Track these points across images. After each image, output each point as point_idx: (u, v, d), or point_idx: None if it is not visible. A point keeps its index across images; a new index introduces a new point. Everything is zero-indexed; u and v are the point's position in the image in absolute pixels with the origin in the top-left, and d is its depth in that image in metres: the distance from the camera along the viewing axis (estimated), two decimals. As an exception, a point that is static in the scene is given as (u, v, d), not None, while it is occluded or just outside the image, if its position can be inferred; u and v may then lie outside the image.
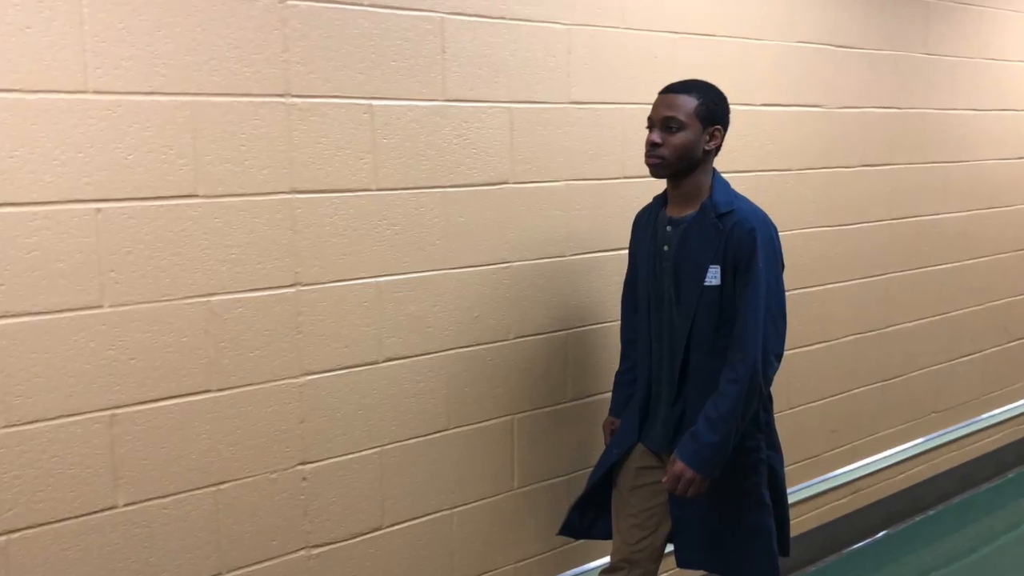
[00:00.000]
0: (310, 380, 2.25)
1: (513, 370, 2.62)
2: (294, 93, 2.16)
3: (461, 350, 2.50)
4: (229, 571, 2.17)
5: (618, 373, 2.60)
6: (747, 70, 3.09)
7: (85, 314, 1.94)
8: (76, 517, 1.96)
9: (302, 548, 2.28)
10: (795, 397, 3.41)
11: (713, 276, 2.24)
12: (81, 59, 1.90)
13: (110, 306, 1.97)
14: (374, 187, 2.30)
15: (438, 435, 2.48)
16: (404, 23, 2.32)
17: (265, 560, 2.22)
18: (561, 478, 2.77)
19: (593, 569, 2.83)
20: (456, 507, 2.54)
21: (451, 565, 2.56)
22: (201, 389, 2.09)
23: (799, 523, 3.44)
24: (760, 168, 3.17)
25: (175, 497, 2.08)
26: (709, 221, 2.25)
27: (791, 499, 3.37)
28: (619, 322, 2.60)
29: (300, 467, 2.25)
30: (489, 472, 2.61)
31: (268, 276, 2.16)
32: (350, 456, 2.33)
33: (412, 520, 2.47)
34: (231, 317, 2.12)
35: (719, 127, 2.28)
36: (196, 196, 2.05)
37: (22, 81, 1.83)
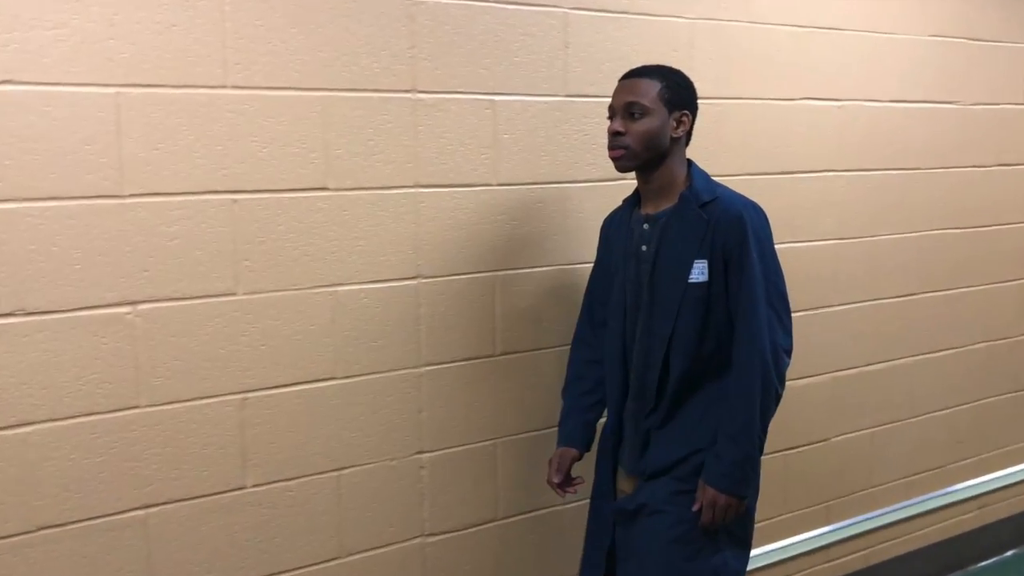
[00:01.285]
0: (429, 371, 2.26)
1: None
2: (420, 88, 2.18)
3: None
4: (348, 555, 2.20)
5: (574, 395, 2.25)
6: (876, 65, 2.95)
7: (221, 300, 2.00)
8: (208, 495, 2.02)
9: (418, 536, 2.30)
10: (919, 405, 3.24)
11: (699, 272, 1.99)
12: (222, 55, 1.95)
13: (243, 293, 2.03)
14: (494, 182, 2.30)
15: (553, 431, 2.47)
16: (528, 19, 2.31)
17: (382, 546, 2.24)
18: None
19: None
20: (569, 503, 2.52)
21: (569, 559, 2.53)
22: (327, 376, 2.13)
23: (921, 536, 3.29)
24: (887, 167, 3.03)
25: (299, 480, 2.12)
26: (691, 212, 2.01)
27: (913, 511, 3.25)
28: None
29: (418, 456, 2.27)
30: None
31: (392, 268, 2.19)
32: (467, 447, 2.34)
33: (526, 513, 2.46)
34: (356, 307, 2.15)
35: (686, 112, 2.05)
36: (326, 189, 2.09)
37: (168, 77, 1.90)
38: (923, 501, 3.28)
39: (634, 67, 2.09)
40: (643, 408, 2.08)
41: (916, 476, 3.26)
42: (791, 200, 2.82)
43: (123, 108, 1.86)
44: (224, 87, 1.96)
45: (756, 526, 2.80)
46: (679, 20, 2.54)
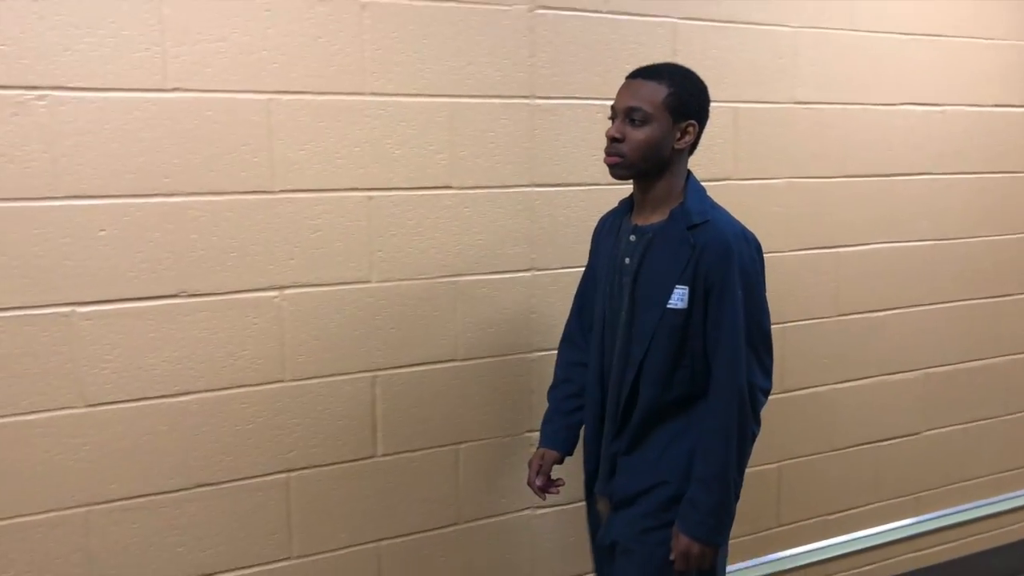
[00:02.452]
0: (540, 356, 2.34)
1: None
2: (538, 95, 2.26)
3: (677, 337, 2.52)
4: (465, 522, 2.31)
5: (559, 398, 2.08)
6: (977, 70, 2.89)
7: (356, 287, 2.12)
8: (343, 462, 2.16)
9: (528, 508, 2.39)
10: (1012, 404, 3.16)
11: (679, 298, 1.77)
12: (361, 65, 2.07)
13: (376, 281, 2.14)
14: (604, 182, 2.35)
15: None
16: (639, 28, 2.36)
17: (496, 515, 2.35)
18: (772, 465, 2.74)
19: (794, 556, 2.78)
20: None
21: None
22: (448, 358, 2.24)
23: (1011, 532, 3.21)
24: (985, 171, 2.96)
25: (422, 452, 2.24)
26: (678, 232, 1.79)
27: (1003, 506, 3.18)
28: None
29: (528, 434, 2.36)
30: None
31: (508, 261, 2.28)
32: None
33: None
34: (475, 295, 2.25)
35: (693, 122, 1.81)
36: (450, 187, 2.19)
37: (314, 84, 2.03)
38: (1014, 497, 3.21)
39: (644, 65, 1.86)
40: (611, 430, 1.91)
41: (1008, 472, 3.19)
42: (890, 202, 2.80)
43: (274, 113, 2.00)
44: (363, 93, 2.08)
45: (847, 513, 2.82)
46: (783, 28, 2.55)
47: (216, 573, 2.05)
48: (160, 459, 1.97)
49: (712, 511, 1.78)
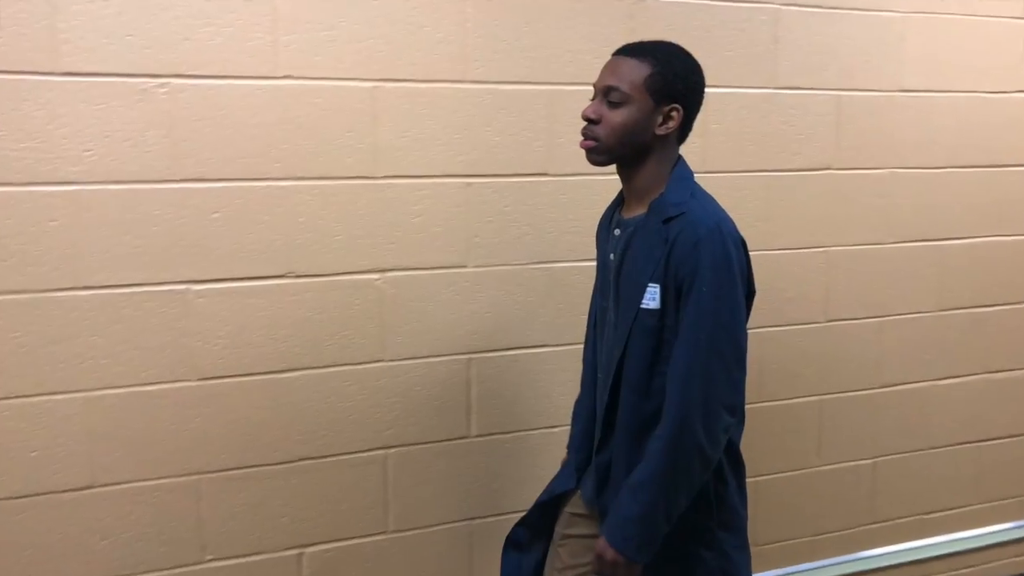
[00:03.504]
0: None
1: (825, 356, 2.53)
2: (637, 82, 2.22)
3: (772, 329, 2.45)
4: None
5: (576, 402, 1.92)
6: (1099, 56, 2.72)
7: (453, 272, 2.13)
8: (438, 441, 2.17)
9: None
10: None
11: (651, 297, 1.59)
12: (463, 52, 2.07)
13: (472, 266, 2.15)
14: (701, 170, 2.29)
15: (748, 407, 2.45)
16: (740, 15, 2.29)
17: (586, 500, 2.34)
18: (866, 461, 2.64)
19: None
20: (760, 476, 2.51)
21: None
22: (541, 343, 2.23)
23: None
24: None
25: (514, 434, 2.24)
26: (655, 226, 1.60)
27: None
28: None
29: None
30: (791, 446, 2.55)
31: (603, 247, 2.25)
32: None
33: (778, 473, 2.50)
34: (568, 283, 2.23)
35: (677, 106, 1.60)
36: (547, 174, 2.18)
37: (417, 72, 2.04)
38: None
39: (631, 42, 1.68)
40: (599, 439, 1.72)
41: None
42: (998, 195, 2.65)
43: (379, 100, 2.02)
44: (464, 81, 2.08)
45: (946, 513, 2.69)
46: (891, 14, 2.43)
47: (316, 543, 2.10)
48: (265, 432, 2.03)
49: (632, 520, 1.55)
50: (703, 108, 2.29)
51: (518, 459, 2.25)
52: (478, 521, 2.24)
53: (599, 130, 1.61)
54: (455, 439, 2.18)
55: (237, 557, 2.03)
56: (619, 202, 1.76)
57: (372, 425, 2.11)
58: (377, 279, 2.07)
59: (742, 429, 1.67)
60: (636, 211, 1.67)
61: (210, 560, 2.01)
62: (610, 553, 1.57)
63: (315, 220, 2.00)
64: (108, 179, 1.85)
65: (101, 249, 1.86)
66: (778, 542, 2.56)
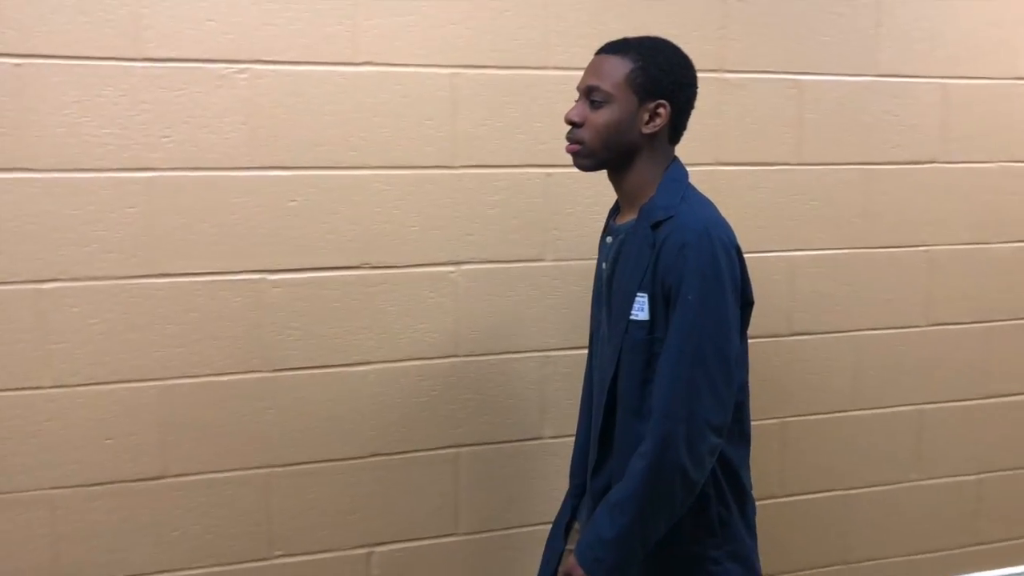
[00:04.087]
0: (718, 345, 2.20)
1: (926, 362, 2.36)
2: (727, 68, 2.10)
3: (870, 332, 2.30)
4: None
5: (577, 424, 1.83)
6: None
7: (530, 265, 2.05)
8: (510, 441, 2.09)
9: (770, 498, 2.27)
10: None
11: (640, 308, 1.47)
12: (545, 39, 1.99)
13: (550, 260, 2.06)
14: (795, 161, 2.18)
15: (842, 414, 2.31)
16: (840, -1, 2.16)
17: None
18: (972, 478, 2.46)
19: None
20: (853, 490, 2.36)
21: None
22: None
23: None
24: None
25: (592, 437, 2.15)
26: (643, 231, 1.50)
27: None
28: None
29: (703, 426, 2.22)
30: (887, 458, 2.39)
31: (688, 243, 2.14)
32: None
33: (872, 486, 2.36)
34: (651, 279, 2.13)
35: (663, 102, 1.49)
36: (631, 164, 2.08)
37: (498, 58, 1.96)
38: None
39: (615, 39, 1.56)
40: (592, 463, 1.60)
41: None
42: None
43: (458, 87, 1.95)
44: (546, 68, 2.00)
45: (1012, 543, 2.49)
46: (1006, -4, 2.27)
47: (384, 542, 2.04)
48: (336, 427, 1.98)
49: (605, 542, 1.43)
50: (797, 96, 2.17)
51: (595, 463, 2.16)
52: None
53: (583, 133, 1.51)
54: (528, 439, 2.10)
55: (305, 554, 1.99)
56: (616, 209, 1.65)
57: (445, 422, 2.04)
58: (452, 272, 2.00)
59: (748, 450, 1.54)
60: (628, 217, 1.57)
61: (278, 556, 1.97)
62: (577, 572, 1.46)
63: (390, 210, 1.95)
64: (186, 166, 1.83)
65: (178, 237, 1.84)
66: (870, 560, 2.40)
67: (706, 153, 2.11)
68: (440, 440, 2.04)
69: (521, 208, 2.02)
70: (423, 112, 1.94)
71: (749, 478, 1.59)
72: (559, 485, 2.12)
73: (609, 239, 1.60)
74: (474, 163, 1.98)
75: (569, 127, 1.53)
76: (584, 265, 2.07)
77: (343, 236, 1.93)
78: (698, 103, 2.08)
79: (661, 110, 1.49)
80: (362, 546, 2.02)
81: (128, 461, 1.87)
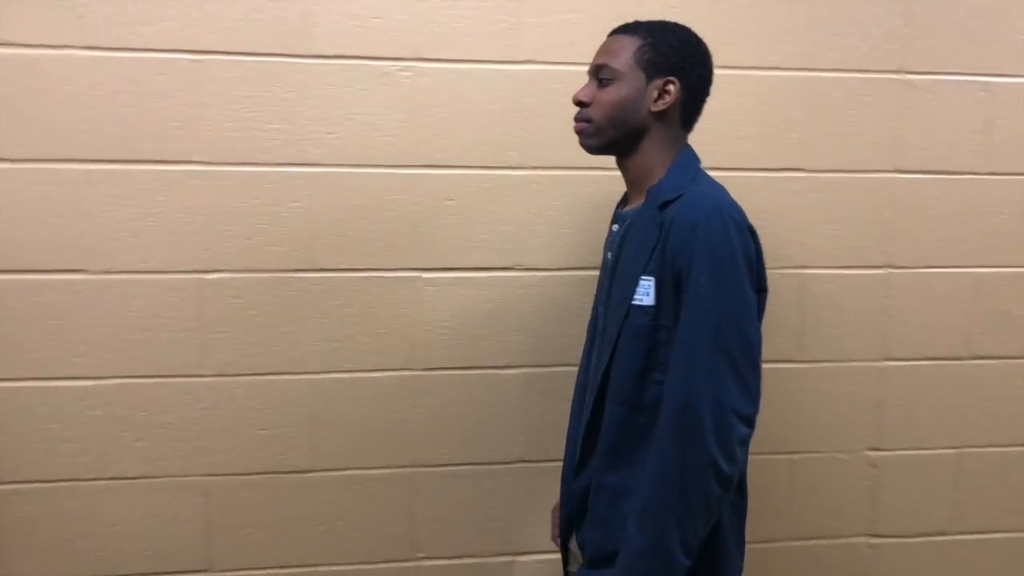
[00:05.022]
0: (890, 366, 2.02)
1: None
2: (909, 69, 1.95)
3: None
4: (797, 538, 2.06)
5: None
6: None
7: (689, 273, 1.96)
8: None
9: (863, 535, 2.08)
10: None
11: (644, 291, 1.38)
12: (713, 36, 1.87)
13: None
14: (983, 170, 2.00)
15: (1018, 448, 2.10)
16: (1041, -8, 1.98)
17: (829, 537, 2.06)
18: None
19: None
20: (1029, 532, 2.14)
21: None
22: (787, 358, 2.00)
23: None
24: None
25: (760, 456, 2.01)
26: (650, 213, 1.41)
27: None
28: None
29: (869, 452, 2.05)
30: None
31: (862, 255, 1.99)
32: (922, 452, 2.07)
33: (985, 534, 2.12)
34: (820, 292, 1.99)
35: (672, 79, 1.42)
36: (801, 170, 1.95)
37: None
38: None
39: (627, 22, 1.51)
40: (573, 463, 1.52)
41: None
42: None
43: (621, 86, 1.89)
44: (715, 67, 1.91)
45: None
46: None
47: (527, 552, 1.98)
48: (483, 430, 1.93)
49: (640, 555, 1.31)
50: (987, 99, 1.99)
51: (760, 484, 2.03)
52: (775, 545, 2.04)
53: (590, 111, 1.46)
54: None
55: (447, 558, 1.95)
56: (624, 201, 1.57)
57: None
58: (607, 277, 1.93)
59: (745, 435, 1.34)
60: (635, 201, 1.49)
61: (421, 558, 1.94)
62: None
63: (546, 211, 1.90)
64: (348, 162, 1.83)
65: (337, 232, 1.85)
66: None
67: (885, 160, 1.96)
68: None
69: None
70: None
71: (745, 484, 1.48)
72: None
73: (615, 227, 1.52)
74: (634, 165, 1.91)
75: (577, 106, 1.48)
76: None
77: (497, 236, 1.89)
78: (876, 106, 1.96)
79: (671, 87, 1.43)
80: (505, 554, 1.97)
81: (279, 453, 1.88)
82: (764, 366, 1.50)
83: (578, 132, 1.49)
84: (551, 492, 1.96)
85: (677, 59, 1.44)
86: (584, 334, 1.69)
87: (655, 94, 1.43)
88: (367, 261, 1.86)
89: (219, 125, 1.79)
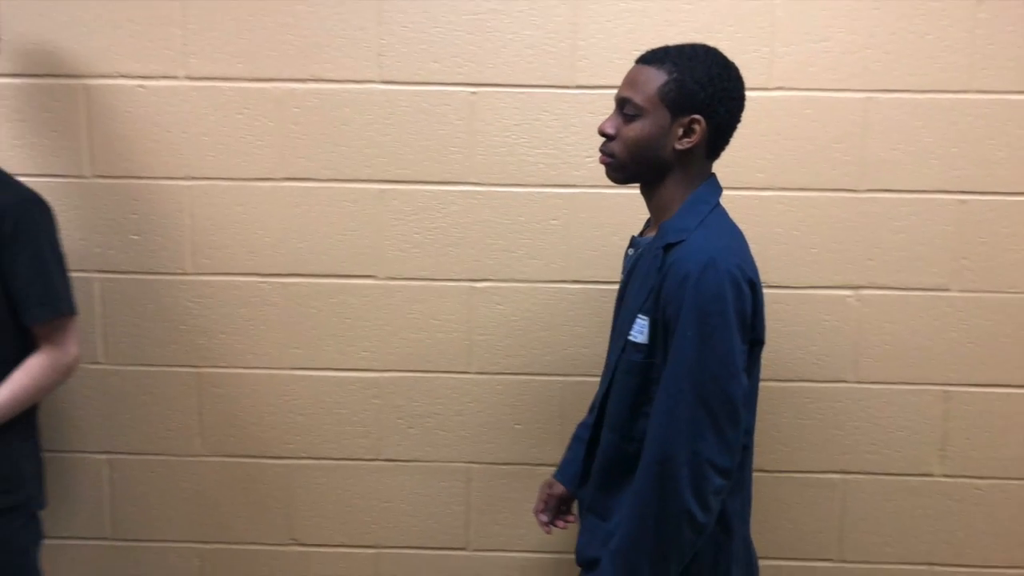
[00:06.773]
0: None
1: None
2: None
3: None
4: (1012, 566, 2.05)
5: (580, 424, 1.76)
6: None
7: (934, 295, 1.97)
8: (897, 475, 2.02)
9: (1015, 567, 2.03)
10: None
11: (639, 330, 1.40)
12: (970, 61, 1.90)
13: (957, 291, 1.97)
14: None
15: None
16: None
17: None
18: None
19: None
20: None
21: None
22: (1015, 383, 2.00)
23: None
24: None
25: (989, 481, 2.01)
26: (654, 252, 1.41)
27: None
28: None
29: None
30: None
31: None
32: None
33: None
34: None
35: (698, 117, 1.38)
36: (1058, 194, 1.94)
37: (915, 82, 1.91)
38: None
39: (655, 47, 1.47)
40: (581, 475, 1.61)
41: None
42: None
43: (870, 111, 1.93)
44: (967, 91, 1.91)
45: None
46: None
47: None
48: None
49: None
50: None
51: (991, 509, 2.02)
52: (939, 568, 2.04)
53: (614, 146, 1.45)
54: (918, 475, 2.01)
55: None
56: (648, 224, 1.58)
57: (830, 446, 2.03)
58: (849, 296, 1.98)
59: (746, 499, 1.45)
60: (652, 232, 1.51)
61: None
62: None
63: (790, 231, 1.97)
64: (603, 183, 1.99)
65: (590, 247, 2.00)
66: None
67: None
68: (824, 464, 2.04)
69: (928, 234, 1.95)
70: (832, 136, 1.94)
71: (747, 531, 1.49)
72: (952, 527, 2.02)
73: (630, 251, 1.56)
74: (881, 187, 1.95)
75: (602, 139, 1.49)
76: (993, 298, 1.96)
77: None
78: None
79: (696, 126, 1.41)
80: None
81: (532, 447, 2.06)
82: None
83: (604, 165, 1.49)
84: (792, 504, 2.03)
85: (704, 96, 1.40)
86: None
87: (680, 132, 1.42)
88: (614, 275, 2.00)
89: (492, 150, 1.99)
